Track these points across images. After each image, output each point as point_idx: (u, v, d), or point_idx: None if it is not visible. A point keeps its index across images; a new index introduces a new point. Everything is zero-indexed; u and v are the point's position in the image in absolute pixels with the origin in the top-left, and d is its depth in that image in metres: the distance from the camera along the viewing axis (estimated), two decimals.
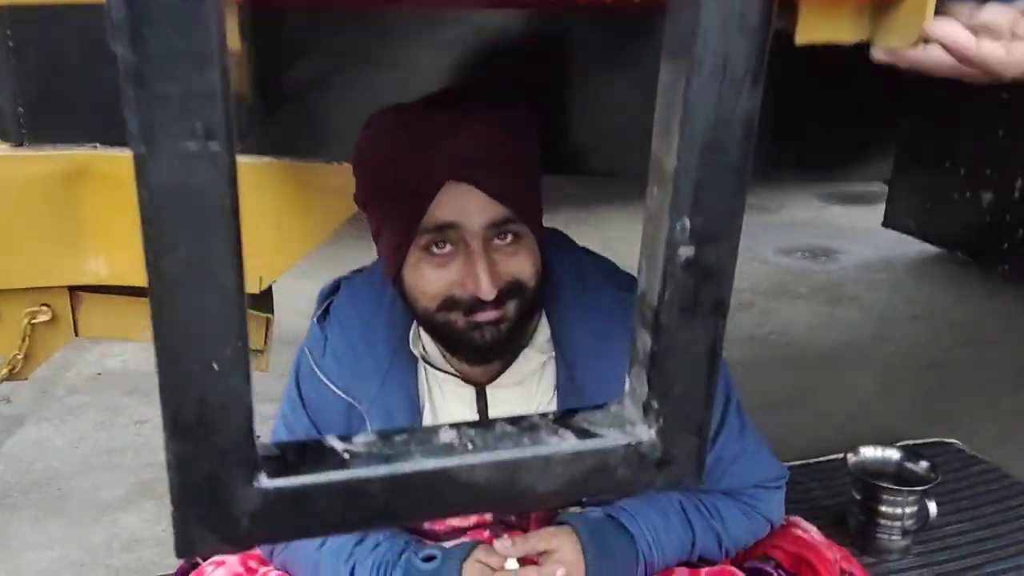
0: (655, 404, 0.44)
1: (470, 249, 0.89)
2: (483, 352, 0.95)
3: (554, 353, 1.02)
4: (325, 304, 1.08)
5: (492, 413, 1.04)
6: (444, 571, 0.97)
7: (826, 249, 3.74)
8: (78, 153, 1.33)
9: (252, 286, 1.44)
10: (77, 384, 2.56)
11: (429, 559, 0.99)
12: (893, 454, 1.57)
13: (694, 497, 1.07)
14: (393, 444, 0.40)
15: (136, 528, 1.84)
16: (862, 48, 0.60)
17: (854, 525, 1.53)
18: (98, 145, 1.34)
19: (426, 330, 0.99)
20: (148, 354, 0.33)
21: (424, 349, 1.03)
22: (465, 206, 0.88)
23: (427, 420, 1.05)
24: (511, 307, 0.93)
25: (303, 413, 1.08)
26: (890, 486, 1.49)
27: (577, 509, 1.03)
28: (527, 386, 1.04)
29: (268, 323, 1.55)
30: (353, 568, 1.02)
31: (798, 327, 2.92)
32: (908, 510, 1.47)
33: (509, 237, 0.91)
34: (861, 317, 3.06)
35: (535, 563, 0.98)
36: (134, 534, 1.83)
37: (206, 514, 0.39)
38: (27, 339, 1.43)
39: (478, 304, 0.90)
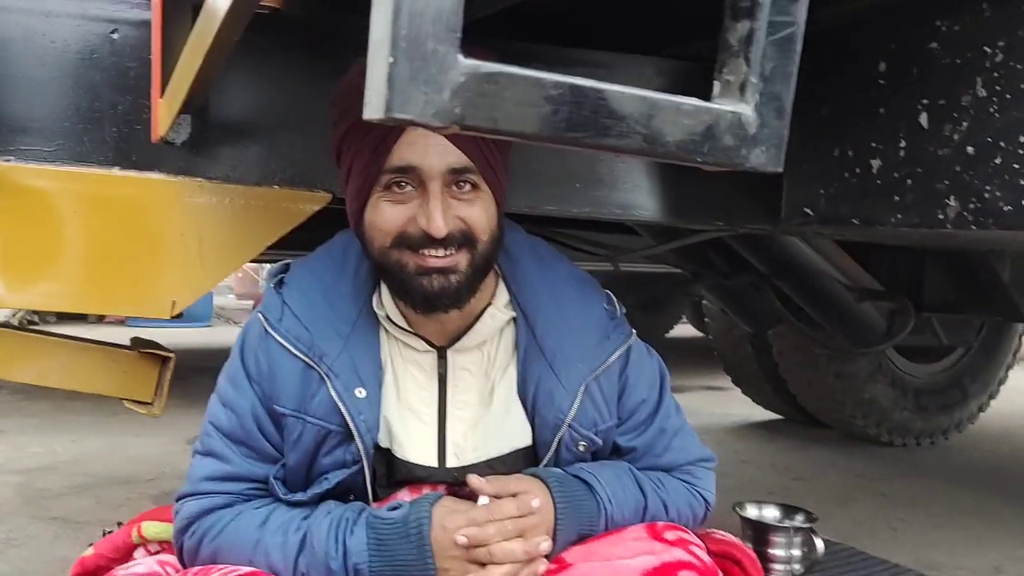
0: (752, 80, 0.53)
1: (427, 190, 0.94)
2: (430, 300, 0.97)
3: (514, 315, 1.06)
4: (279, 276, 1.07)
5: (451, 377, 1.05)
6: (414, 512, 0.93)
7: None
8: None
9: (163, 311, 1.37)
10: None
11: (395, 509, 0.95)
12: (772, 510, 1.67)
13: (640, 471, 1.11)
14: None
15: None
16: None
17: None
18: (12, 159, 1.29)
19: (380, 274, 1.01)
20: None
21: (387, 312, 1.04)
22: (426, 149, 0.94)
23: (388, 383, 1.04)
24: (462, 259, 0.96)
25: (248, 388, 1.02)
26: (780, 524, 1.58)
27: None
28: (487, 349, 1.07)
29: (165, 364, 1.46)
30: (304, 537, 0.95)
31: None
32: (796, 552, 1.55)
33: (468, 187, 0.97)
34: None
35: None
36: None
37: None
38: None
39: (427, 242, 0.94)
